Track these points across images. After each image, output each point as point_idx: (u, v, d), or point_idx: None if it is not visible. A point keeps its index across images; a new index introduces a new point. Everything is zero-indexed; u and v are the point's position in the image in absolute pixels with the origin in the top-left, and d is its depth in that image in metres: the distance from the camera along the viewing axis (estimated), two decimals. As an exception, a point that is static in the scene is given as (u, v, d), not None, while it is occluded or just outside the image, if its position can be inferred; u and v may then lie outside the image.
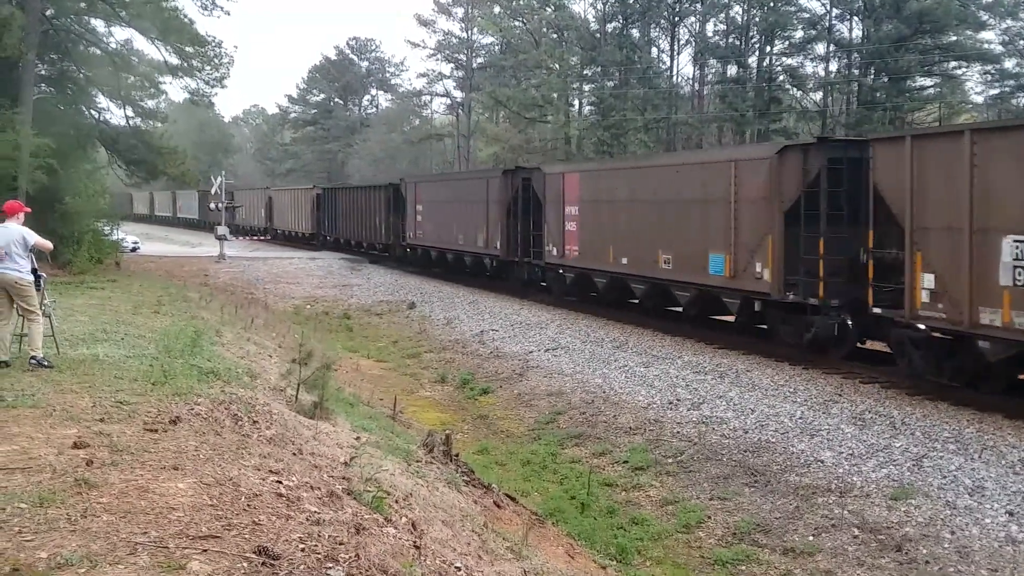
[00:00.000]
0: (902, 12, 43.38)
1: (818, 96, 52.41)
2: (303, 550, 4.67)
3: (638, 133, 50.11)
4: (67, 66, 34.45)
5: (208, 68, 36.37)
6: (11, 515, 4.73)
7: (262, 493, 5.65)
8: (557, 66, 54.97)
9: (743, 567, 9.74)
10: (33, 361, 9.75)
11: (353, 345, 23.97)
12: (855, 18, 49.31)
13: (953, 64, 46.51)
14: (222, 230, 44.90)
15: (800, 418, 13.46)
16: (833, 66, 51.56)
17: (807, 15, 50.36)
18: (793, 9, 50.30)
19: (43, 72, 33.06)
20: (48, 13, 31.23)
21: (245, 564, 4.29)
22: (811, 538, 9.99)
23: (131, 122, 36.87)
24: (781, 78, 51.79)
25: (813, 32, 50.34)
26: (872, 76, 47.13)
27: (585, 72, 56.22)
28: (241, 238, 58.05)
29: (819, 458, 11.91)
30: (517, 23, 60.67)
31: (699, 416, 14.40)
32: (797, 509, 10.69)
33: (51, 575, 3.92)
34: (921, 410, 13.19)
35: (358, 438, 9.54)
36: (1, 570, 3.95)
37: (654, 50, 57.39)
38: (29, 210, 10.96)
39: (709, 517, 11.01)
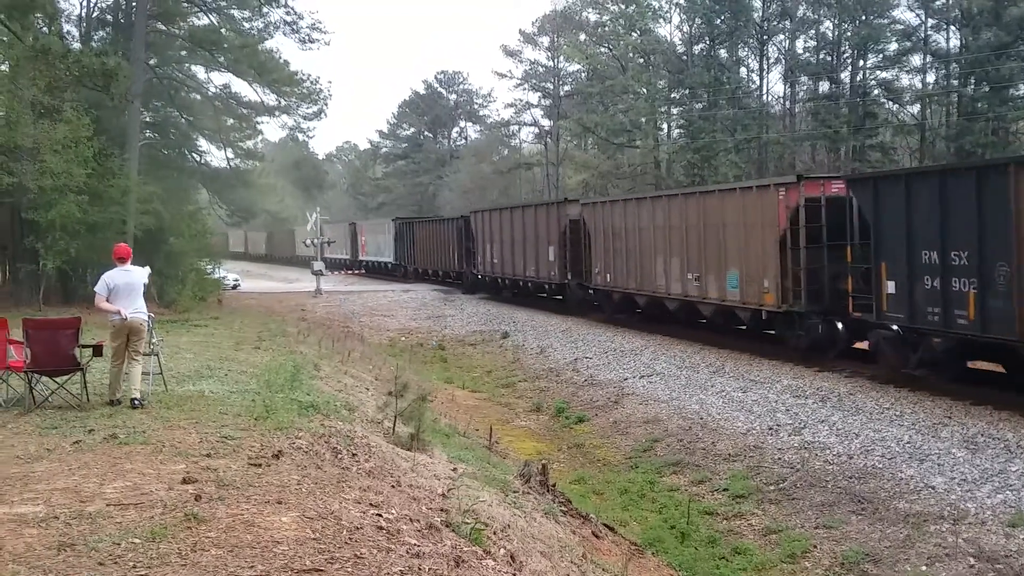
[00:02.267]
0: (1002, 19, 41.95)
1: (916, 109, 50.99)
2: (404, 584, 4.71)
3: (728, 155, 49.51)
4: (170, 112, 35.98)
5: (305, 104, 37.53)
6: (125, 550, 4.90)
7: (363, 526, 5.73)
8: (644, 90, 54.85)
9: (852, 598, 9.43)
10: (136, 402, 9.93)
11: (448, 376, 24.17)
12: (952, 27, 47.88)
13: (1058, 70, 44.74)
14: (318, 265, 45.94)
15: (908, 442, 13.01)
16: (930, 78, 50.16)
17: (901, 27, 49.10)
18: (886, 21, 49.11)
19: (148, 119, 34.55)
20: (152, 62, 32.67)
21: (348, 598, 4.35)
22: (924, 568, 9.62)
23: (231, 163, 38.22)
24: (876, 92, 50.56)
25: (908, 44, 49.03)
26: (972, 86, 45.63)
27: (673, 95, 55.94)
28: (334, 272, 59.31)
29: (930, 484, 11.48)
30: (603, 49, 60.80)
31: (801, 441, 14.04)
32: (908, 537, 10.31)
33: (164, 609, 4.03)
34: (1038, 432, 12.60)
35: (455, 469, 9.59)
36: (117, 604, 4.09)
37: (743, 70, 56.76)
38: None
39: (815, 546, 10.70)
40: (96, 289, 10.48)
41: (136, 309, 10.33)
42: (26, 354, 9.99)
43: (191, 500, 5.92)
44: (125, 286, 10.31)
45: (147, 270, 10.75)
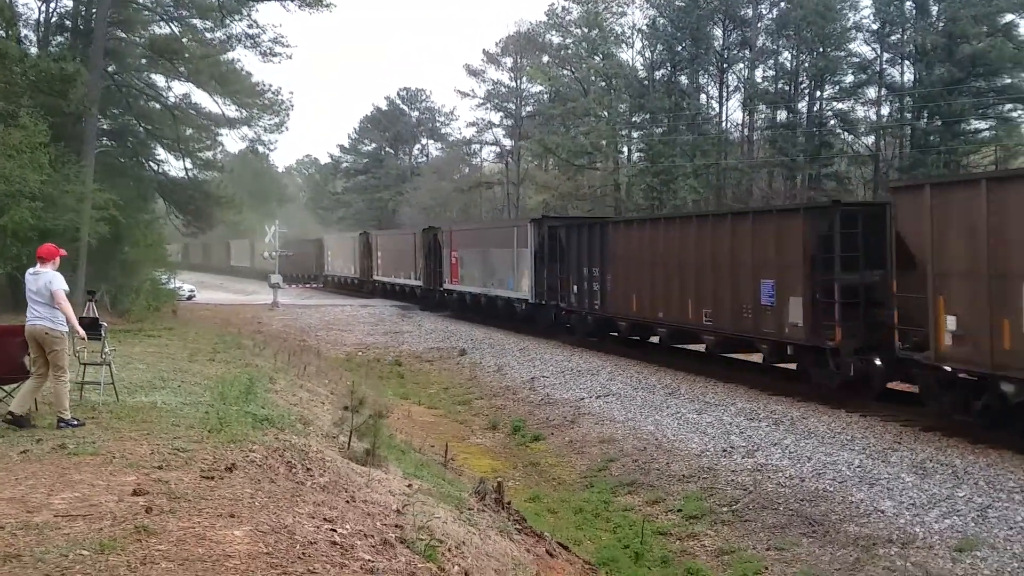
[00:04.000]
0: (954, 56, 42.97)
1: (870, 140, 51.93)
2: (358, 599, 4.67)
3: (687, 179, 49.98)
4: (128, 120, 35.54)
5: (266, 116, 37.28)
6: (73, 561, 4.81)
7: (317, 541, 5.68)
8: (606, 113, 55.27)
9: (802, 620, 9.50)
10: (62, 424, 9.13)
11: (404, 392, 24.06)
12: (906, 62, 48.92)
13: (1008, 107, 45.82)
14: (275, 278, 45.61)
15: (859, 466, 13.19)
16: (885, 110, 51.12)
17: (857, 60, 50.05)
18: (843, 54, 50.04)
19: (105, 126, 34.08)
20: (110, 69, 32.27)
21: (301, 612, 4.31)
22: (872, 591, 9.73)
23: (189, 173, 37.82)
24: (832, 122, 51.42)
25: (864, 76, 50.00)
26: (925, 120, 46.60)
27: (634, 119, 56.40)
28: (294, 286, 58.85)
29: (879, 508, 11.64)
30: (566, 72, 61.19)
31: (754, 464, 14.17)
32: (858, 560, 10.43)
33: (112, 622, 3.96)
34: (984, 459, 12.84)
35: (410, 485, 9.54)
36: (64, 616, 4.01)
37: (703, 96, 57.43)
38: (65, 253, 10.16)
39: (766, 568, 10.78)
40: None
41: (35, 316, 9.44)
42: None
43: (141, 512, 5.82)
44: (30, 291, 9.57)
45: (57, 276, 9.59)
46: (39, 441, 8.29)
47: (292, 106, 38.21)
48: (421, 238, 42.06)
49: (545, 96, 66.68)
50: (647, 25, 56.34)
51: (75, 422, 9.25)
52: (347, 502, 7.34)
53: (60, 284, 9.52)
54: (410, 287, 44.14)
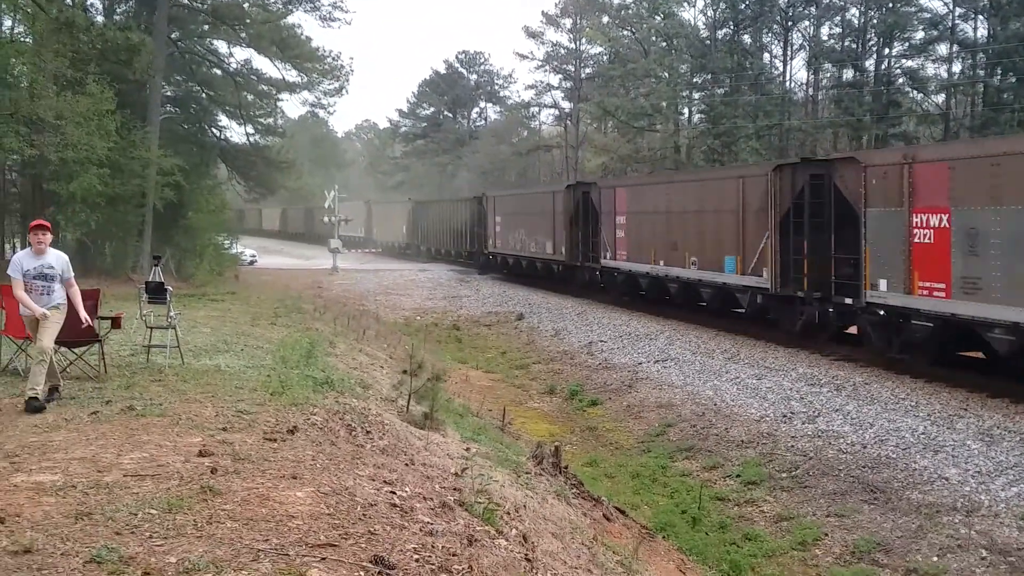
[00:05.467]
0: (1030, 9, 41.49)
1: (940, 98, 50.48)
2: (417, 560, 4.74)
3: (749, 141, 49.19)
4: (191, 87, 36.06)
5: (326, 81, 37.52)
6: (142, 520, 4.95)
7: (377, 503, 5.76)
8: (666, 74, 54.51)
9: (862, 587, 9.42)
10: (35, 402, 8.24)
11: (462, 356, 24.23)
12: (980, 17, 47.30)
13: (1086, 61, 44.16)
14: (335, 243, 46.09)
15: (923, 433, 12.96)
16: (956, 67, 49.61)
17: (928, 15, 48.56)
18: (913, 9, 48.58)
19: (169, 93, 34.61)
20: (173, 36, 32.70)
21: (362, 573, 4.38)
22: (935, 559, 9.60)
23: (250, 139, 38.29)
24: (900, 81, 50.06)
25: (935, 32, 48.50)
26: (999, 76, 45.11)
27: (695, 80, 55.57)
28: (351, 251, 59.46)
29: (943, 475, 11.44)
30: (625, 32, 60.46)
31: (814, 430, 14.02)
32: (920, 528, 10.28)
33: (179, 579, 4.08)
34: (1054, 427, 12.53)
35: (468, 449, 9.63)
36: (133, 574, 4.13)
37: (766, 56, 56.32)
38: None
39: (826, 534, 10.69)
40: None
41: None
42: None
43: (207, 473, 5.96)
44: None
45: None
46: (108, 403, 8.52)
47: (352, 71, 38.59)
48: (565, 198, 32.81)
49: (605, 58, 66.03)
50: (710, -17, 55.30)
51: (52, 398, 8.64)
52: (406, 465, 7.43)
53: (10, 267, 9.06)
54: (547, 262, 35.23)
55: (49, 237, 9.24)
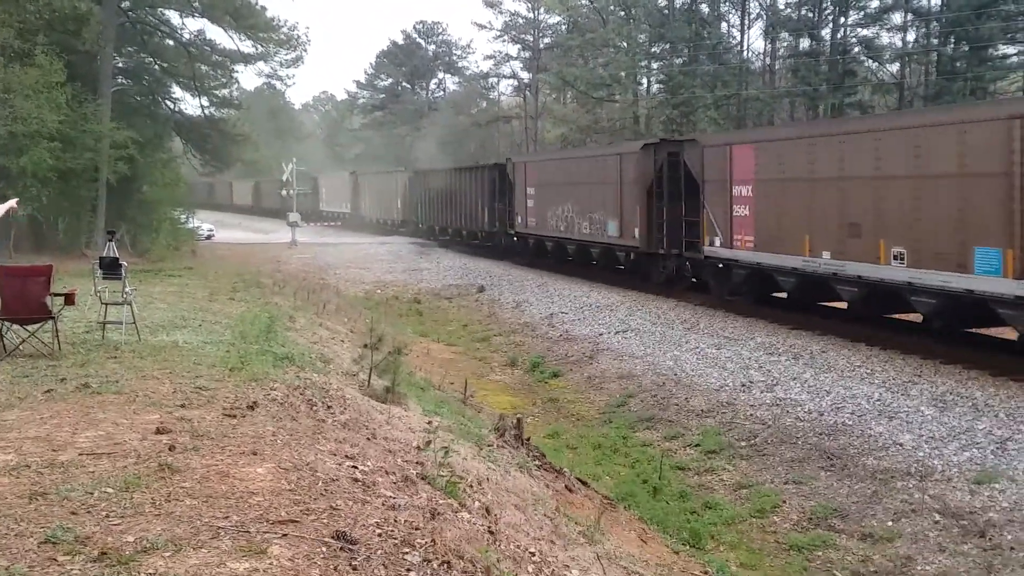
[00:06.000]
0: (983, -22, 41.85)
1: (895, 67, 50.90)
2: (380, 535, 4.73)
3: (708, 111, 49.32)
4: (143, 58, 35.35)
5: (283, 51, 36.98)
6: (98, 499, 4.88)
7: (339, 478, 5.74)
8: (625, 44, 54.38)
9: (819, 552, 9.59)
10: None
11: (423, 329, 24.18)
12: (933, -15, 47.67)
13: (1038, 31, 44.69)
14: (293, 217, 45.67)
15: (878, 400, 13.18)
16: (911, 36, 50.01)
17: (883, -17, 48.84)
18: (868, -23, 48.85)
19: (120, 64, 33.91)
20: (124, 5, 31.99)
21: (324, 549, 4.37)
22: (890, 523, 9.79)
23: (205, 111, 37.67)
24: (856, 50, 50.37)
25: (889, 1, 48.81)
26: (952, 45, 45.56)
27: (653, 49, 55.49)
28: (315, 224, 58.89)
29: (898, 441, 11.66)
30: (584, 1, 60.14)
31: (773, 398, 14.20)
32: (875, 493, 10.48)
33: (137, 559, 4.03)
34: (1005, 391, 12.80)
35: (430, 422, 9.62)
36: (89, 554, 4.08)
37: (724, 25, 56.32)
38: None
39: (784, 501, 10.86)
40: None
41: None
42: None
43: (165, 450, 5.90)
44: None
45: None
46: (63, 380, 8.39)
47: (309, 40, 37.93)
48: (641, 161, 24.38)
49: (563, 27, 65.73)
50: (666, -48, 55.12)
51: None
52: (368, 439, 7.41)
53: None
54: (608, 248, 26.83)
55: None
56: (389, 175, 52.55)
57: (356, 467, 6.14)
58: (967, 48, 44.12)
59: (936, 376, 13.94)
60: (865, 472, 11.06)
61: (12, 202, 7.92)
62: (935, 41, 47.05)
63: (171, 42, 35.59)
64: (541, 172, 31.80)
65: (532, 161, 34.14)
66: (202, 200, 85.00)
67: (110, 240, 13.04)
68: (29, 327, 10.08)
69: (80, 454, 5.79)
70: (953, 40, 45.26)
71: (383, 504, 5.37)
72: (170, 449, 5.92)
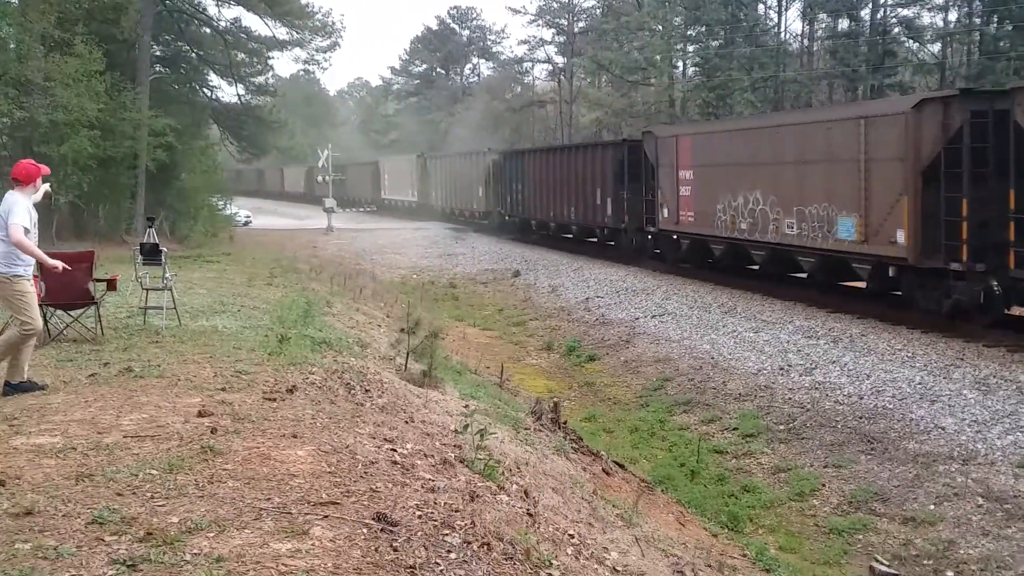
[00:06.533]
0: (1027, -45, 40.97)
1: (936, 48, 50.03)
2: (420, 517, 4.75)
3: (744, 93, 48.77)
4: (180, 46, 35.63)
5: (318, 38, 37.14)
6: (143, 481, 4.95)
7: (378, 460, 5.77)
8: (660, 27, 53.90)
9: (860, 536, 9.52)
10: (8, 388, 7.38)
11: (459, 314, 24.24)
12: (976, -36, 46.75)
13: (1084, 7, 43.70)
14: (330, 202, 45.89)
15: (919, 383, 13.02)
16: (952, 15, 49.09)
17: (924, -38, 47.99)
18: (909, -43, 48.02)
19: (158, 53, 34.21)
20: (161, -5, 32.25)
21: (365, 530, 4.39)
22: (932, 507, 9.69)
23: (242, 99, 37.94)
24: (896, 30, 49.55)
25: (931, -20, 47.97)
26: (995, 24, 44.67)
27: (689, 32, 54.97)
28: (349, 210, 58.96)
29: (940, 425, 11.51)
30: (618, -15, 59.72)
31: (811, 382, 14.08)
32: (917, 477, 10.37)
33: (182, 539, 4.08)
34: (1050, 375, 12.58)
35: (467, 406, 9.64)
36: (135, 534, 4.14)
37: (760, 6, 55.61)
38: (47, 170, 7.98)
39: (823, 485, 10.78)
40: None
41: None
42: (41, 288, 9.99)
43: (207, 433, 5.96)
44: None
45: (19, 203, 7.42)
46: (106, 365, 8.51)
47: (343, 27, 38.13)
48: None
49: (598, 11, 65.27)
50: (702, -67, 54.50)
51: (29, 385, 7.46)
52: (406, 422, 7.44)
53: (19, 216, 7.34)
54: (842, 258, 18.04)
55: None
56: (467, 158, 45.13)
57: (395, 450, 6.17)
58: (1011, 27, 43.22)
59: (979, 359, 13.72)
60: (906, 456, 10.94)
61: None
62: (977, 20, 46.16)
63: (207, 30, 35.87)
64: (706, 148, 22.93)
65: (691, 134, 24.68)
66: (252, 188, 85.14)
67: (150, 226, 13.20)
68: (72, 312, 10.24)
69: (124, 436, 5.87)
70: (996, 19, 44.36)
71: (422, 487, 5.40)
72: (212, 432, 5.99)
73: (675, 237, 24.74)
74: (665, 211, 24.64)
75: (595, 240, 31.16)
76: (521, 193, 36.68)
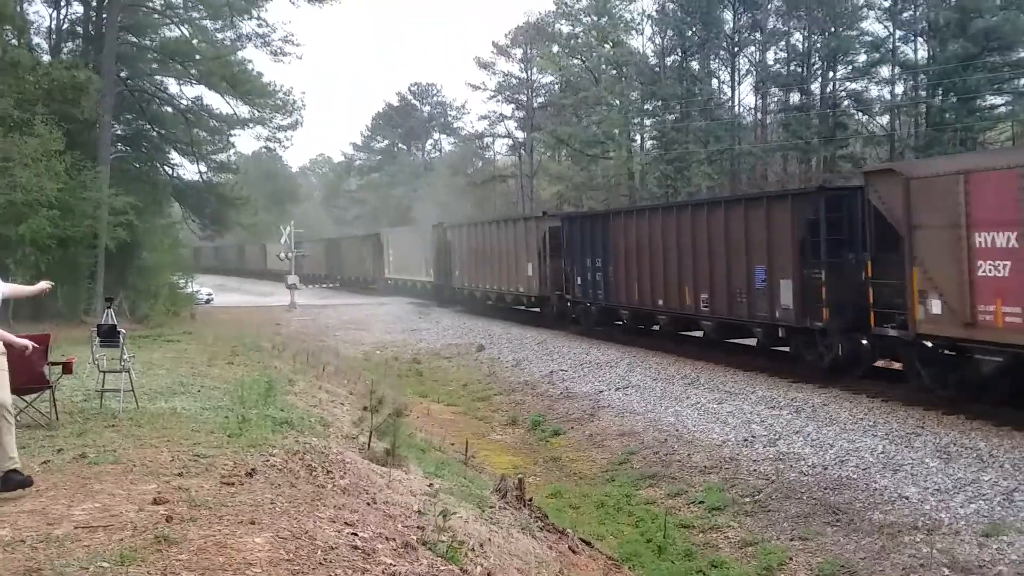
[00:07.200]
0: (968, 31, 42.53)
1: (885, 120, 51.53)
2: (379, 605, 4.65)
3: (701, 166, 49.81)
4: (142, 125, 35.73)
5: (279, 116, 37.41)
6: (94, 574, 4.81)
7: (338, 546, 5.66)
8: (617, 102, 55.14)
9: (829, 610, 9.43)
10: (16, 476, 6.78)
11: (423, 390, 24.07)
12: (919, 39, 48.50)
13: (1024, 81, 45.36)
14: (292, 279, 45.76)
15: (882, 452, 13.09)
16: (899, 88, 50.74)
17: (870, 38, 49.68)
18: (855, 33, 49.70)
19: (119, 132, 34.26)
20: (123, 74, 32.42)
21: (322, 621, 4.29)
22: (899, 579, 9.64)
23: (203, 176, 37.97)
24: (846, 103, 51.07)
25: (877, 55, 49.59)
26: (940, 97, 46.18)
27: (646, 107, 56.24)
28: (309, 286, 58.65)
29: (904, 494, 11.54)
30: (576, 61, 61.05)
31: (776, 453, 14.09)
32: (883, 548, 10.34)
33: (134, 636, 3.96)
34: (1009, 441, 12.72)
35: (431, 485, 9.52)
36: (86, 632, 4.01)
37: (714, 81, 57.17)
38: None
39: (791, 558, 10.71)
40: None
41: None
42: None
43: (162, 521, 5.82)
44: None
45: None
46: (60, 451, 8.32)
47: (304, 105, 38.41)
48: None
49: (556, 86, 66.61)
50: (656, 11, 56.27)
51: (10, 477, 6.76)
52: (368, 504, 7.32)
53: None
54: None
55: None
56: (506, 226, 34.87)
57: (356, 534, 6.06)
58: (955, 99, 44.70)
59: (939, 427, 13.85)
60: (872, 526, 10.93)
61: (46, 285, 7.74)
62: (923, 93, 47.70)
63: (169, 109, 36.03)
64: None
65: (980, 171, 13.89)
66: (232, 266, 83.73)
67: (108, 307, 13.03)
68: (27, 397, 10.02)
69: (76, 527, 5.71)
70: (941, 92, 45.89)
71: (383, 572, 5.30)
72: (167, 520, 5.85)
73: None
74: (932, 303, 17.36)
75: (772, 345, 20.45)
76: (604, 271, 26.60)
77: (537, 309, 33.13)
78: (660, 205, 30.74)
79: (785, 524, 11.67)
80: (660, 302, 23.37)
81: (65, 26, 32.84)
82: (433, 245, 43.74)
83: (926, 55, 47.86)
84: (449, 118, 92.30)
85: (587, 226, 27.97)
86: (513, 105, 72.34)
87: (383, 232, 55.72)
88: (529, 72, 69.30)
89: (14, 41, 26.60)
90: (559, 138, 58.56)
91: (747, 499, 12.71)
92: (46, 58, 29.42)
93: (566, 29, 62.51)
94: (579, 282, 28.00)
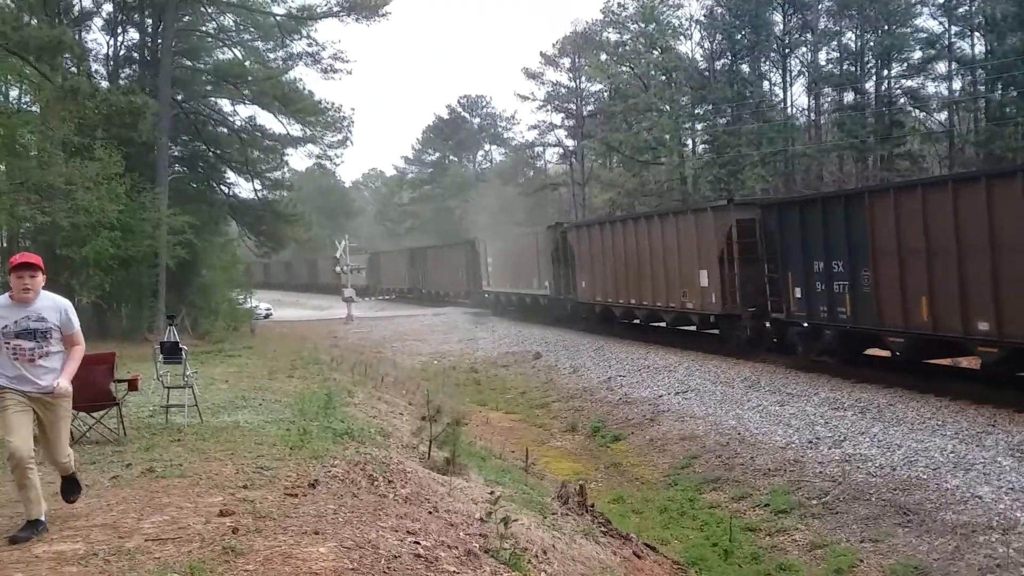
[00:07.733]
0: (1026, 22, 41.53)
1: (943, 116, 50.44)
2: (445, 612, 4.63)
3: (755, 168, 49.21)
4: (198, 146, 36.39)
5: (330, 133, 37.83)
6: (164, 585, 4.87)
7: (401, 555, 5.66)
8: (668, 107, 54.74)
9: (902, 614, 9.21)
10: (39, 526, 6.02)
11: (482, 398, 24.09)
12: (976, 34, 47.37)
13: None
14: (348, 292, 46.12)
15: (952, 452, 12.76)
16: (957, 84, 49.62)
17: (924, 35, 48.64)
18: (909, 30, 48.70)
19: (176, 153, 34.93)
20: (178, 97, 33.07)
21: (389, 628, 4.28)
22: (975, 581, 9.38)
23: (259, 194, 38.51)
24: (902, 101, 50.08)
25: (932, 51, 48.55)
26: (1000, 92, 45.09)
27: (697, 111, 55.78)
28: (369, 298, 58.91)
29: (976, 494, 11.23)
30: (625, 68, 60.76)
31: (841, 454, 13.82)
32: (957, 549, 10.07)
33: (204, 644, 3.99)
34: (1086, 438, 12.31)
35: (492, 492, 9.50)
36: (157, 641, 4.05)
37: (765, 83, 56.48)
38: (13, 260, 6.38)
39: (862, 560, 10.48)
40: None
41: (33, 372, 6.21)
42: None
43: (228, 533, 5.88)
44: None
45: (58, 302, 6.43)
46: (128, 466, 8.46)
47: (353, 122, 38.74)
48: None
49: (605, 94, 66.37)
50: (704, 15, 55.78)
51: (36, 530, 5.98)
52: (429, 513, 7.33)
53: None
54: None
55: (40, 279, 6.24)
56: (662, 222, 26.77)
57: (418, 543, 6.06)
58: (1015, 93, 43.60)
59: (1011, 425, 13.47)
60: (944, 527, 10.65)
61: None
62: (982, 88, 46.61)
63: (224, 129, 36.65)
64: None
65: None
66: (303, 281, 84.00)
67: (170, 324, 13.26)
68: (95, 414, 10.23)
69: (146, 540, 5.80)
70: (1000, 86, 44.79)
71: (448, 579, 5.28)
72: (233, 531, 5.91)
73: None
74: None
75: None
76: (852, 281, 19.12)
77: (715, 331, 24.45)
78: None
79: (854, 526, 11.43)
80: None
81: (122, 53, 33.60)
82: (548, 250, 36.34)
83: (984, 50, 46.74)
84: (499, 129, 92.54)
85: (815, 215, 19.09)
86: (563, 114, 72.23)
87: (479, 239, 49.16)
88: (577, 81, 69.18)
89: (74, 69, 27.27)
90: (610, 145, 58.32)
91: (814, 501, 12.48)
92: (104, 84, 30.10)
93: (614, 37, 62.27)
94: (798, 295, 19.66)
